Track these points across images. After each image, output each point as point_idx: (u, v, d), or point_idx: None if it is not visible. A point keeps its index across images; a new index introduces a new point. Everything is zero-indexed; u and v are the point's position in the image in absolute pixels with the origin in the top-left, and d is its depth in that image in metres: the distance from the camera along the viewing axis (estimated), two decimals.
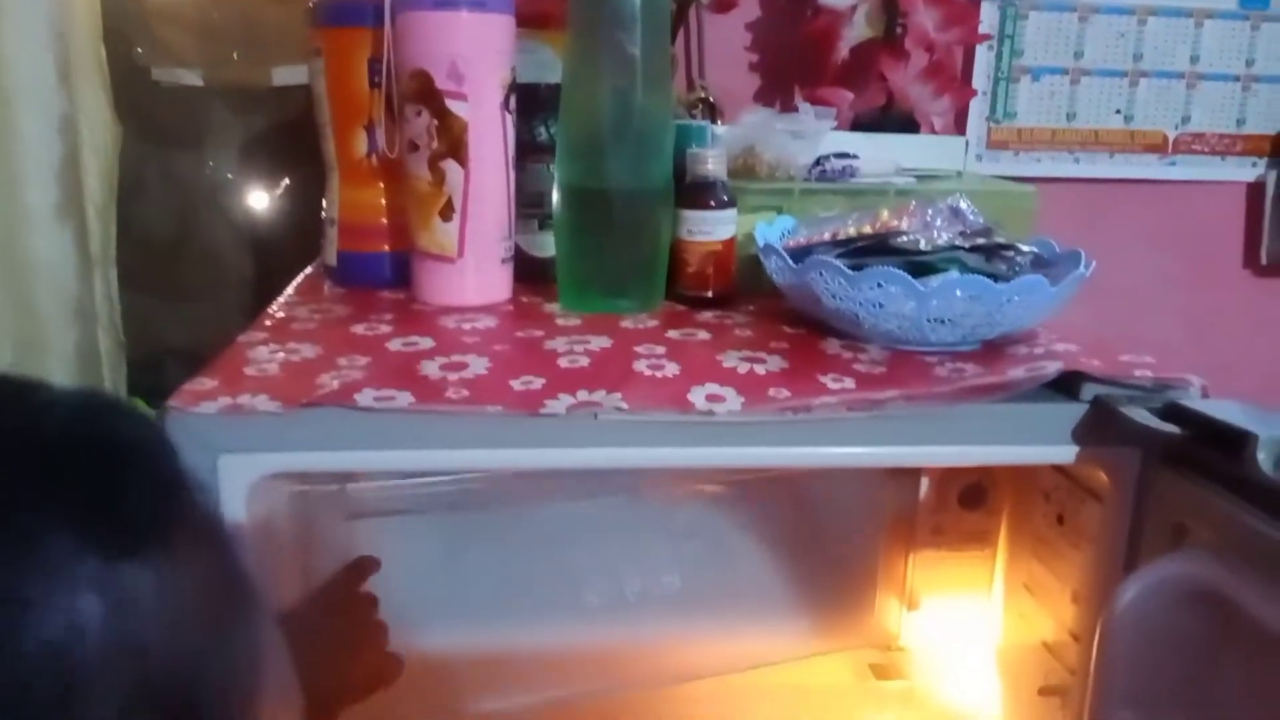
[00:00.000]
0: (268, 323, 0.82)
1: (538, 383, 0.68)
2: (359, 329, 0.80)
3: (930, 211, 0.87)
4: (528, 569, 0.95)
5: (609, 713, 0.88)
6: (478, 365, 0.71)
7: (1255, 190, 1.46)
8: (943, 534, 0.86)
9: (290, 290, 0.95)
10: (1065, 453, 0.70)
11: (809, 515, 1.01)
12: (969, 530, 0.86)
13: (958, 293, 0.72)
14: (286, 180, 1.34)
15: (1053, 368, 0.70)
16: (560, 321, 0.84)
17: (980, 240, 0.82)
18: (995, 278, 0.74)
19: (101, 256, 1.14)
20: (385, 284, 0.94)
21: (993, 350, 0.77)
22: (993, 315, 0.74)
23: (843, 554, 0.93)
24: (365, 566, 0.79)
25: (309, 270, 1.04)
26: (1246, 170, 1.45)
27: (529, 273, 0.94)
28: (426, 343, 0.76)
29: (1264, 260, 1.47)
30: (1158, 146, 1.43)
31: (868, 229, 0.84)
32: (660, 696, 0.88)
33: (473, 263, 0.86)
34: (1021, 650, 0.84)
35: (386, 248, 0.94)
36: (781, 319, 0.85)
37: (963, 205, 0.90)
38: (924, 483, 0.86)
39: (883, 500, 0.88)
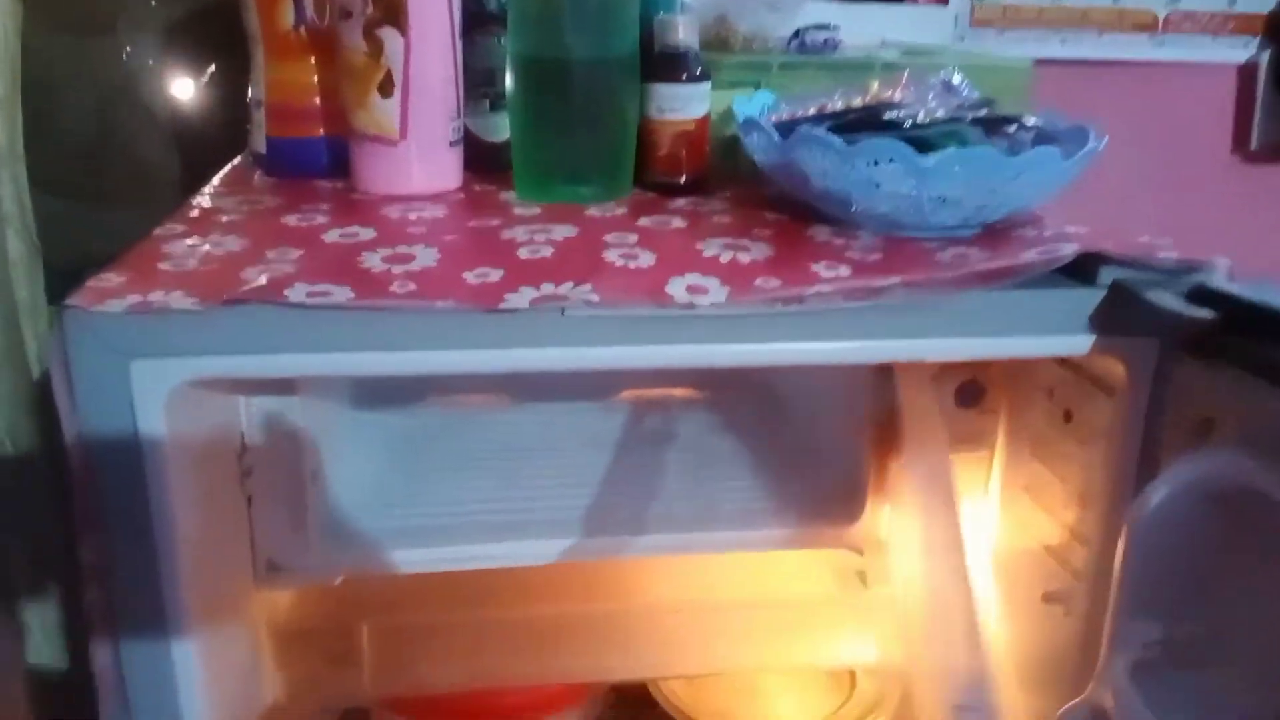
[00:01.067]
0: (188, 215, 0.73)
1: (495, 275, 0.60)
2: (291, 220, 0.71)
3: (922, 86, 0.80)
4: (490, 479, 0.89)
5: (577, 625, 0.82)
6: (426, 257, 0.63)
7: (1246, 73, 1.39)
8: None
9: (215, 182, 0.85)
10: (1079, 343, 0.64)
11: (792, 418, 0.95)
12: (964, 430, 0.79)
13: (958, 168, 0.65)
14: (213, 66, 1.22)
15: (1068, 249, 0.63)
16: (518, 211, 0.75)
17: (981, 113, 0.74)
18: None
19: (9, 153, 1.02)
20: (321, 173, 0.84)
21: (996, 235, 0.70)
22: (999, 193, 0.67)
23: (828, 458, 0.87)
24: None
25: (237, 161, 0.94)
26: (1239, 51, 1.38)
27: (480, 160, 0.85)
28: (367, 234, 0.68)
29: (1255, 145, 1.40)
30: (1148, 26, 1.35)
31: (857, 102, 0.76)
32: (627, 610, 0.82)
33: (417, 145, 0.77)
34: (1020, 555, 0.79)
35: (321, 132, 0.85)
36: (763, 205, 0.77)
37: (956, 80, 0.83)
38: (898, 377, 0.80)
39: (870, 400, 0.81)
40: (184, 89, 1.22)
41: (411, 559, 0.79)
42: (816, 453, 0.90)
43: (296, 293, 0.57)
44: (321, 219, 0.71)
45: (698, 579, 0.89)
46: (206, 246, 0.64)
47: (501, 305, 0.57)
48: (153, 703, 0.62)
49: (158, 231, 0.68)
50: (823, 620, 0.83)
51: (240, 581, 0.74)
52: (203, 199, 0.78)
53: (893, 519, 0.83)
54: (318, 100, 0.84)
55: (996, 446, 0.82)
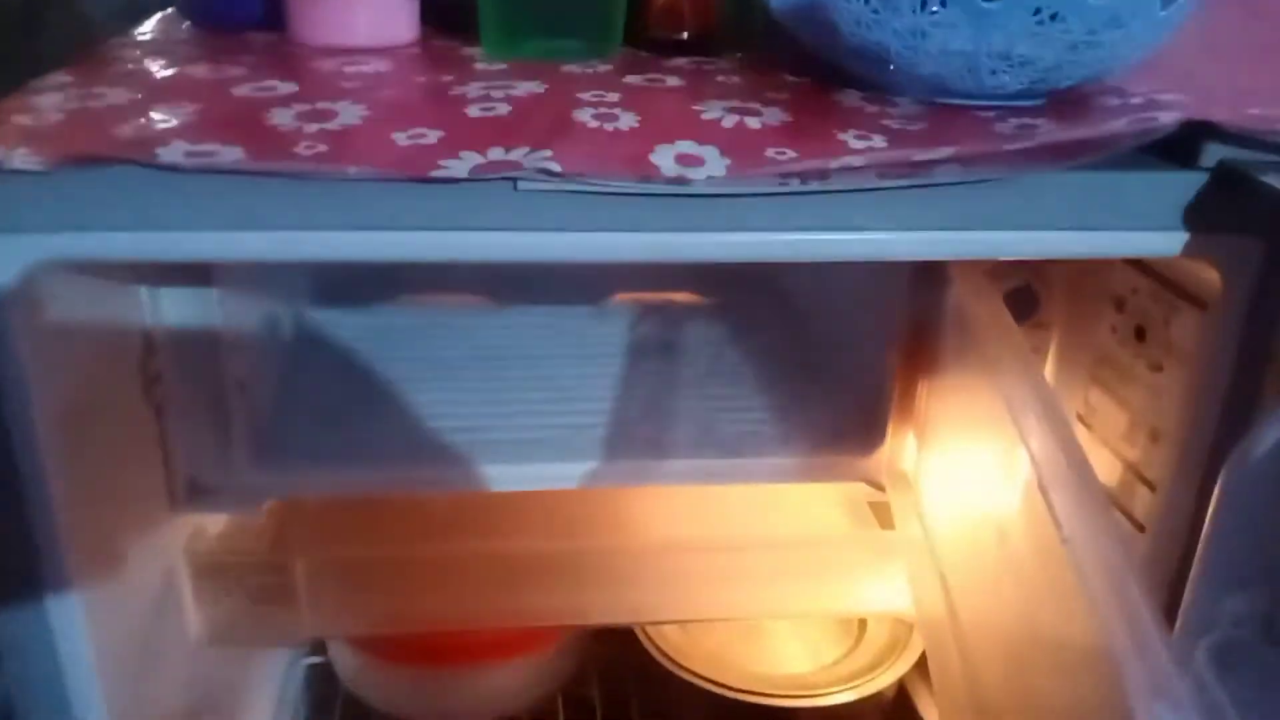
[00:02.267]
0: (80, 65, 0.60)
1: (432, 136, 0.47)
2: (199, 71, 0.58)
3: None
4: (460, 391, 0.77)
5: (552, 562, 0.71)
6: (350, 114, 0.50)
7: None
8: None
9: (133, 32, 0.72)
10: (1168, 241, 0.51)
11: (808, 326, 0.82)
12: None
13: (1029, 14, 0.51)
14: None
15: (1168, 118, 0.50)
16: (480, 67, 0.62)
17: None
18: None
19: None
20: (255, 23, 0.71)
21: (1067, 105, 0.57)
22: (1079, 49, 0.53)
23: (846, 374, 0.75)
24: None
25: (170, 10, 0.80)
26: None
27: (444, 12, 0.71)
28: (287, 88, 0.54)
29: None
30: None
31: None
32: (610, 547, 0.71)
33: None
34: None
35: None
36: (781, 67, 0.63)
37: None
38: (950, 284, 0.67)
39: (897, 307, 0.68)
40: None
41: (360, 481, 0.68)
42: (833, 368, 0.78)
43: (171, 151, 0.44)
44: (236, 70, 0.58)
45: (693, 512, 0.78)
46: (84, 99, 0.51)
47: (433, 173, 0.44)
48: (24, 647, 0.52)
49: (34, 82, 0.55)
50: (837, 562, 0.72)
51: (145, 507, 0.62)
52: (108, 48, 0.65)
53: (923, 450, 0.71)
54: None
55: (1047, 365, 0.69)
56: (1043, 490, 0.56)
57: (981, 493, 0.65)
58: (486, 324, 0.87)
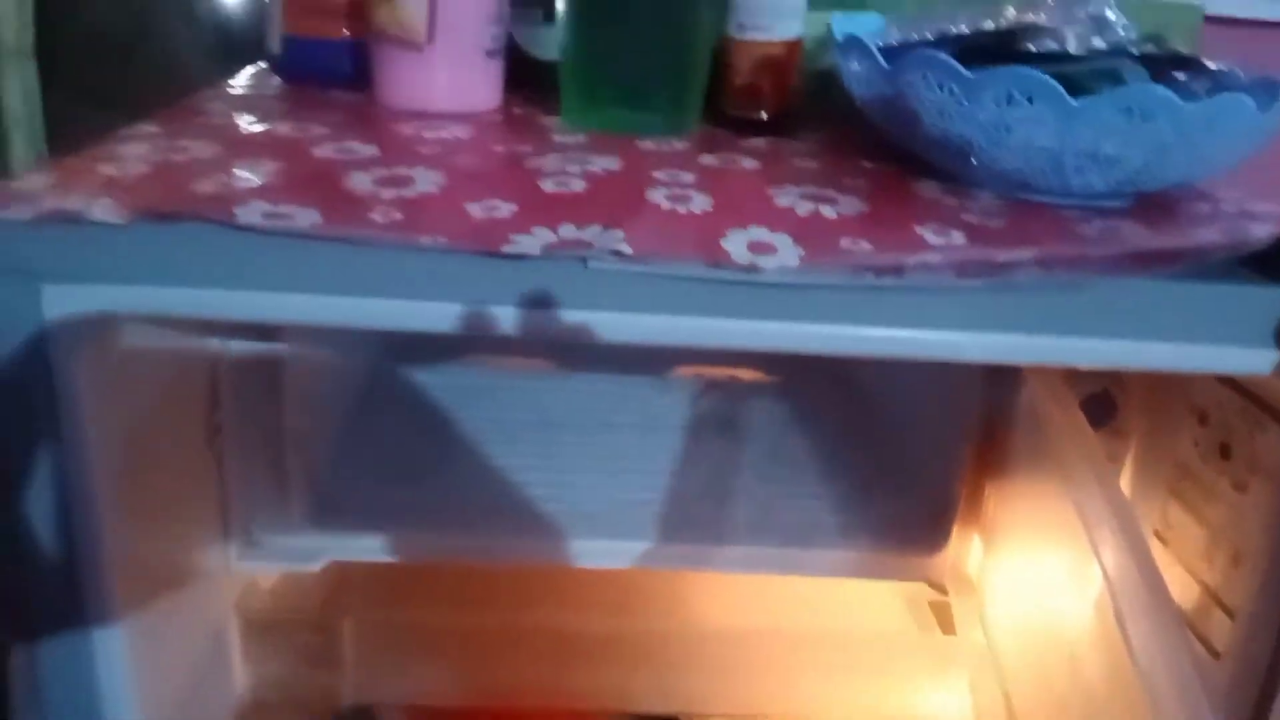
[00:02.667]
0: (169, 115, 0.61)
1: (506, 209, 0.47)
2: (284, 129, 0.59)
3: (1069, 16, 0.64)
4: (519, 457, 0.76)
5: (601, 640, 0.70)
6: (427, 181, 0.50)
7: None
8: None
9: (224, 83, 0.74)
10: (1259, 359, 0.49)
11: (876, 417, 0.81)
12: None
13: (1119, 114, 0.50)
14: None
15: (1262, 230, 0.48)
16: (558, 138, 0.62)
17: (1150, 48, 0.59)
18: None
19: (16, 51, 0.92)
20: (344, 80, 0.72)
21: (1154, 209, 0.55)
22: (1172, 151, 0.51)
23: (914, 470, 0.73)
24: None
25: (263, 64, 0.82)
26: None
27: (528, 79, 0.72)
28: (367, 151, 0.55)
29: None
30: None
31: (989, 25, 0.60)
32: (663, 630, 0.69)
33: (445, 51, 0.64)
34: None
35: (346, 32, 0.72)
36: (859, 153, 0.62)
37: (1109, 14, 0.67)
38: (1024, 387, 0.65)
39: (971, 404, 0.66)
40: None
41: (415, 546, 0.67)
42: (901, 463, 0.76)
43: (249, 212, 0.44)
44: (319, 130, 0.59)
45: (749, 597, 0.75)
46: (168, 151, 0.52)
47: (506, 248, 0.43)
48: (71, 700, 0.52)
49: (123, 131, 0.57)
50: (896, 664, 0.69)
51: (200, 559, 0.62)
52: (197, 100, 0.67)
53: (988, 554, 0.68)
54: None
55: (1123, 478, 0.66)
56: (1116, 611, 0.53)
57: (1050, 605, 0.63)
58: (550, 388, 0.87)
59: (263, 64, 0.80)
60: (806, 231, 0.47)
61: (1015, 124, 0.51)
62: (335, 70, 0.72)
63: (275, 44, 0.73)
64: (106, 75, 1.09)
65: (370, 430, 0.75)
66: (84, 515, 0.48)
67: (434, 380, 0.83)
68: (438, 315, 0.45)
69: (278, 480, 0.65)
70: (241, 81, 0.75)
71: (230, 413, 0.62)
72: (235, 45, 1.10)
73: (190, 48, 1.15)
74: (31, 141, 0.93)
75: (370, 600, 0.70)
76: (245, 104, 0.66)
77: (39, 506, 0.48)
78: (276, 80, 0.75)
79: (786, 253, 0.45)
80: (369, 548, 0.67)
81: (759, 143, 0.64)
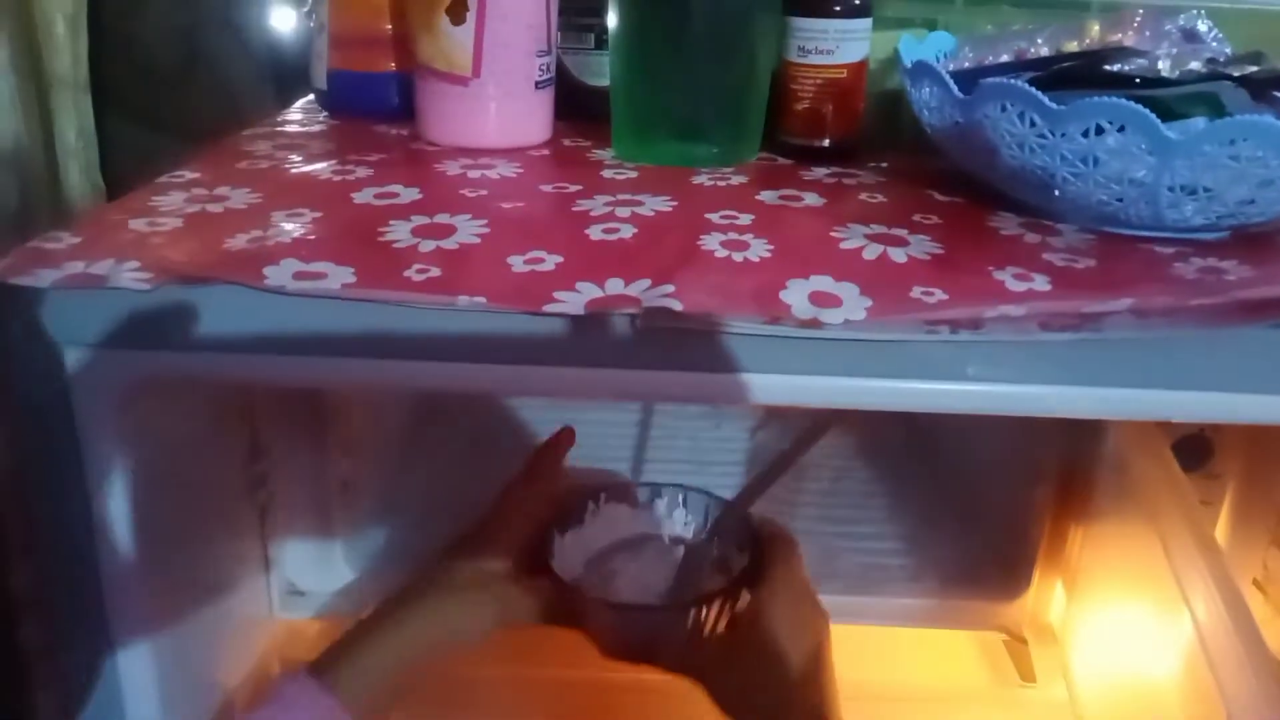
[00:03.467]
0: (206, 158, 0.60)
1: (550, 262, 0.44)
2: (324, 171, 0.57)
3: (1157, 32, 0.60)
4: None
5: (647, 693, 0.66)
6: (468, 231, 0.47)
7: None
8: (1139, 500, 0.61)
9: (274, 118, 0.72)
10: None
11: (948, 457, 0.76)
12: None
13: (1221, 144, 0.45)
14: None
15: None
16: (609, 174, 0.59)
17: (1250, 69, 0.54)
18: None
19: (72, 80, 0.92)
20: (391, 114, 0.70)
21: (1253, 244, 0.51)
22: (1277, 185, 0.47)
23: (989, 513, 0.68)
24: (564, 441, 0.62)
25: (311, 98, 0.80)
26: None
27: (580, 108, 0.69)
28: (409, 195, 0.53)
29: None
30: None
31: (1069, 48, 0.56)
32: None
33: (494, 85, 0.62)
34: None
35: (393, 65, 0.70)
36: (930, 183, 0.58)
37: (1201, 26, 0.62)
38: (1111, 427, 0.60)
39: (1051, 443, 0.62)
40: (284, 18, 1.10)
41: None
42: (972, 501, 0.71)
43: (280, 273, 0.42)
44: (363, 172, 0.57)
45: None
46: (205, 201, 0.51)
47: (548, 308, 0.41)
48: None
49: (161, 178, 0.55)
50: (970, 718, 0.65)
51: (242, 608, 0.60)
52: (241, 138, 0.65)
53: (1071, 601, 0.64)
54: (389, 26, 0.69)
55: (1219, 522, 0.62)
56: (1209, 662, 0.49)
57: (1138, 656, 0.58)
58: (602, 424, 0.84)
59: (310, 97, 0.78)
60: (874, 279, 0.43)
61: (1104, 156, 0.47)
62: (382, 104, 0.70)
63: (321, 79, 0.71)
64: (161, 102, 1.09)
65: (417, 474, 0.72)
66: (117, 568, 0.46)
67: (484, 421, 0.80)
68: (479, 377, 0.43)
69: (321, 528, 0.63)
70: (289, 115, 0.73)
71: (272, 462, 0.60)
72: (289, 71, 1.09)
73: (244, 74, 1.14)
74: (87, 173, 0.93)
75: None
76: (289, 142, 0.64)
77: (73, 564, 0.46)
78: (324, 114, 0.73)
79: (852, 304, 0.41)
80: None
81: (821, 173, 0.60)
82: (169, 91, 1.10)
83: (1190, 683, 0.53)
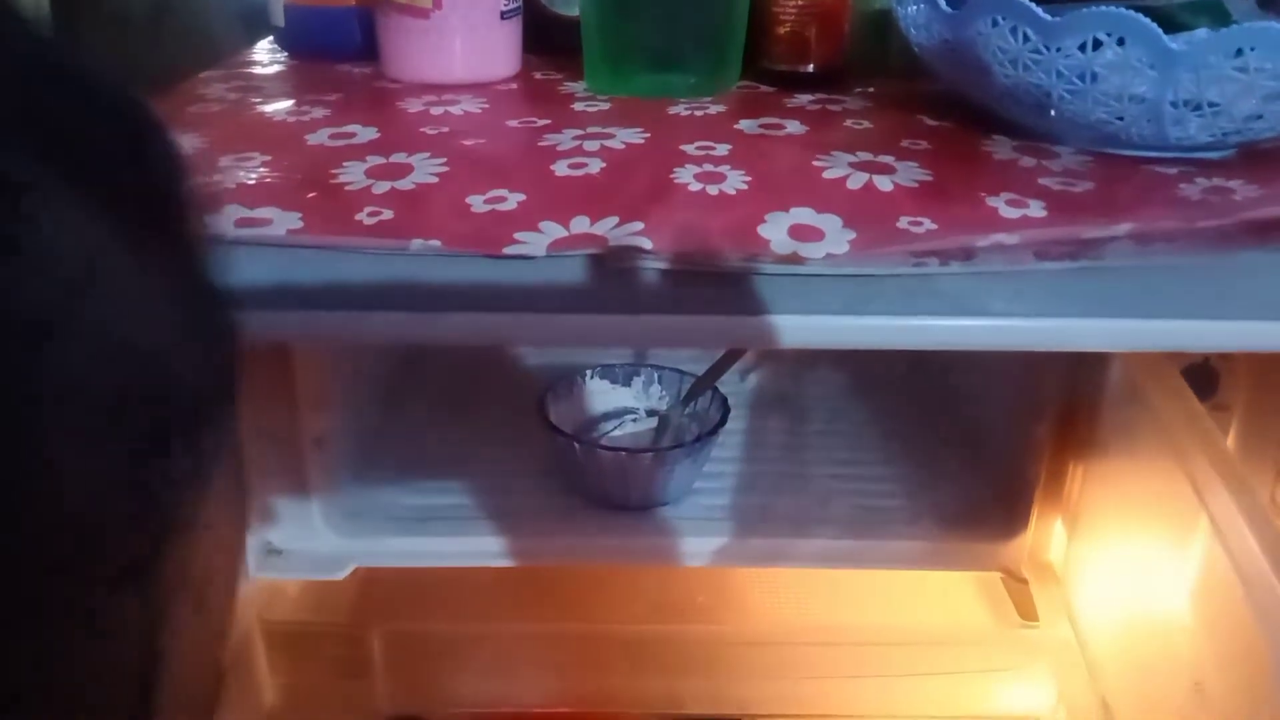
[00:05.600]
0: (163, 103, 0.56)
1: (512, 201, 0.41)
2: (279, 112, 0.54)
3: None
4: (549, 451, 0.70)
5: (640, 643, 0.65)
6: (425, 170, 0.44)
7: None
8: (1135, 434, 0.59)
9: (235, 59, 0.69)
10: None
11: (942, 392, 0.74)
12: None
13: (1226, 55, 0.42)
14: None
15: None
16: (580, 107, 0.56)
17: None
18: None
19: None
20: (353, 52, 0.67)
21: (1261, 160, 0.48)
22: None
23: (985, 449, 0.66)
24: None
25: (271, 39, 0.77)
26: None
27: (550, 39, 0.65)
28: (367, 134, 0.50)
29: None
30: None
31: None
32: (707, 631, 0.64)
33: (457, 17, 0.58)
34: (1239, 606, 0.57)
35: (353, 0, 0.67)
36: (920, 107, 0.55)
37: None
38: (1116, 359, 0.58)
39: (1051, 379, 0.60)
40: None
41: (445, 550, 0.63)
42: (969, 440, 0.69)
43: (222, 219, 0.39)
44: (319, 113, 0.54)
45: (807, 591, 0.70)
46: None
47: (508, 250, 0.38)
48: None
49: None
50: (970, 662, 0.63)
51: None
52: (197, 82, 0.62)
53: (1072, 539, 0.62)
54: None
55: None
56: (1243, 579, 0.47)
57: (1148, 589, 0.57)
58: (588, 365, 0.81)
59: (270, 39, 0.75)
60: (858, 210, 0.40)
61: (1103, 71, 0.44)
62: (342, 41, 0.67)
63: (279, 15, 0.68)
64: (131, 51, 1.05)
65: (393, 429, 0.70)
66: None
67: (461, 373, 0.77)
68: (438, 326, 0.40)
69: (296, 486, 0.60)
70: (248, 57, 0.70)
71: (244, 418, 0.58)
72: (260, 16, 1.05)
73: (214, 19, 1.10)
74: None
75: (400, 607, 0.66)
76: (245, 84, 0.61)
77: None
78: (284, 55, 0.70)
79: (835, 238, 0.38)
80: (397, 553, 0.62)
81: (805, 100, 0.57)
82: (139, 40, 1.06)
83: (1205, 614, 0.52)
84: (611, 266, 0.38)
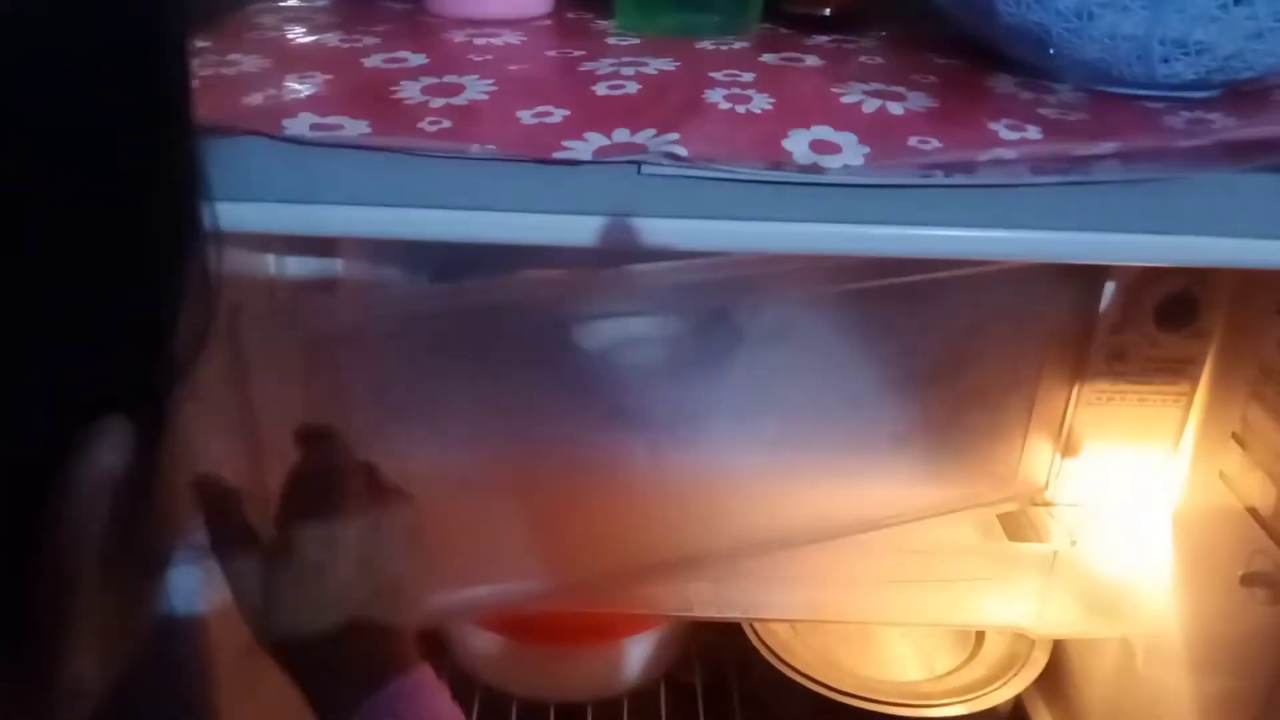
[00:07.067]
0: (212, 31, 0.60)
1: (557, 115, 0.45)
2: (333, 40, 0.58)
3: None
4: (556, 399, 0.74)
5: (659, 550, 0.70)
6: (477, 89, 0.48)
7: None
8: (1126, 360, 0.63)
9: None
10: None
11: (941, 326, 0.78)
12: (1164, 357, 0.62)
13: None
14: None
15: None
16: (612, 41, 0.60)
17: None
18: None
19: None
20: None
21: (1244, 99, 0.52)
22: (1264, 36, 0.48)
23: (985, 380, 0.70)
24: None
25: None
26: None
27: None
28: (417, 60, 0.54)
29: None
30: None
31: None
32: (720, 542, 0.69)
33: None
34: (1216, 520, 0.62)
35: None
36: (930, 48, 0.59)
37: None
38: (1109, 288, 0.62)
39: (1047, 310, 0.64)
40: None
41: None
42: (966, 371, 0.73)
43: (298, 124, 0.43)
44: (370, 41, 0.58)
45: (809, 509, 0.75)
46: (218, 66, 0.52)
47: (556, 154, 0.42)
48: None
49: None
50: (961, 572, 0.68)
51: None
52: (248, 13, 0.66)
53: (1066, 459, 0.67)
54: None
55: (1201, 380, 0.64)
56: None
57: (1133, 512, 0.62)
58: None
59: None
60: (872, 129, 0.44)
61: (1098, 11, 0.48)
62: None
63: None
64: None
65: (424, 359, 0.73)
66: None
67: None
68: (488, 225, 0.44)
69: None
70: None
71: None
72: None
73: None
74: None
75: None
76: (296, 16, 0.65)
77: None
78: None
79: (851, 151, 0.43)
80: None
81: (822, 40, 0.61)
82: None
83: (1185, 532, 0.56)
84: (648, 173, 0.42)
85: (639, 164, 0.42)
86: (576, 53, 0.56)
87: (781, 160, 0.42)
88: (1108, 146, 0.43)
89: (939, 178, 0.43)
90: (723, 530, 0.72)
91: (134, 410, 0.21)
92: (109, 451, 0.20)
